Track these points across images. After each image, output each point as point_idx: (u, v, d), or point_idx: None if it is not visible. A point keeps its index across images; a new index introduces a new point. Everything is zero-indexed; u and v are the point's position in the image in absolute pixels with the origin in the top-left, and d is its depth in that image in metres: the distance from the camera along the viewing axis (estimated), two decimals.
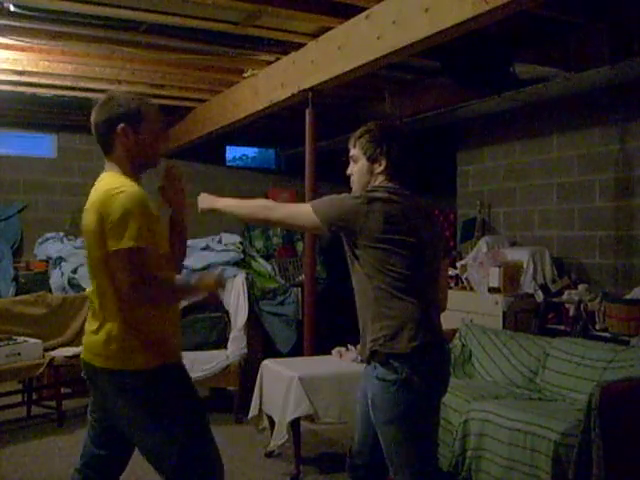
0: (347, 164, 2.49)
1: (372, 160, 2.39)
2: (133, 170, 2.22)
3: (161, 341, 2.17)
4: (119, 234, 2.01)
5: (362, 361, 2.47)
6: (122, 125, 2.17)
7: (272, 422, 3.90)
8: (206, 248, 5.86)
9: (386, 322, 2.25)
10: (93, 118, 2.24)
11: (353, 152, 2.44)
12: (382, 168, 2.37)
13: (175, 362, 2.23)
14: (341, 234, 2.32)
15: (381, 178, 2.38)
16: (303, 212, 2.35)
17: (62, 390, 4.91)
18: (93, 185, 2.24)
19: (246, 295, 5.24)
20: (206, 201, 2.55)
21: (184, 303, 3.97)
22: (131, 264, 2.02)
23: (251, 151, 8.65)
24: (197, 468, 2.15)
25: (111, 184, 2.11)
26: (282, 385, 3.74)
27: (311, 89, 4.47)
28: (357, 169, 2.42)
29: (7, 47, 4.57)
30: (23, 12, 3.86)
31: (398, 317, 2.24)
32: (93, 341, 2.16)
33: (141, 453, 2.23)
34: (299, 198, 6.59)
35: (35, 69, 4.95)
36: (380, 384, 2.24)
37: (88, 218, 2.12)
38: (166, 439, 2.13)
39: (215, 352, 4.92)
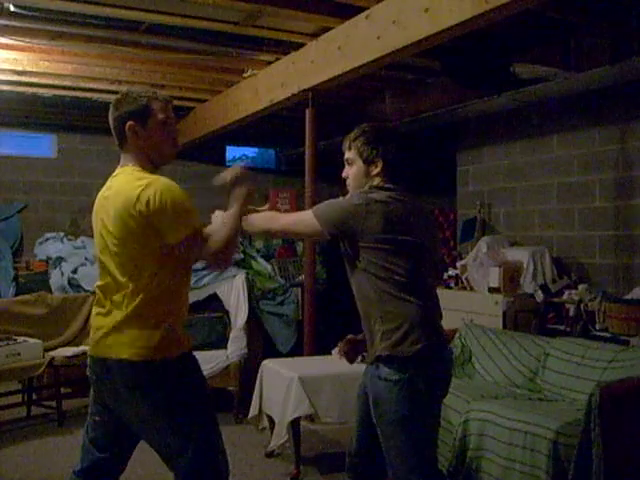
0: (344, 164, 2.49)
1: (368, 162, 2.38)
2: (149, 164, 2.22)
3: (174, 333, 2.17)
4: (177, 225, 2.08)
5: (362, 361, 2.47)
6: (130, 122, 2.18)
7: (272, 422, 3.90)
8: None
9: (389, 324, 2.25)
10: (109, 115, 2.25)
11: (348, 155, 2.43)
12: (378, 170, 2.37)
13: (188, 351, 2.24)
14: (342, 238, 2.32)
15: (378, 180, 2.37)
16: (303, 219, 2.36)
17: (62, 390, 4.91)
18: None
19: (246, 295, 5.24)
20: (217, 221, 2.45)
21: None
22: (199, 244, 2.11)
23: (251, 151, 8.65)
24: (211, 463, 2.16)
25: (133, 182, 2.11)
26: (282, 385, 3.74)
27: (311, 89, 4.47)
28: (353, 172, 2.42)
29: (7, 47, 4.57)
30: (23, 12, 3.86)
31: (401, 318, 2.24)
32: (104, 335, 2.14)
33: (153, 449, 2.21)
34: (299, 198, 6.59)
35: (35, 69, 4.95)
36: (383, 384, 2.24)
37: (112, 218, 2.11)
38: (180, 434, 2.12)
39: (215, 352, 4.92)
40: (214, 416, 2.24)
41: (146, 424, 2.17)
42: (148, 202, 2.04)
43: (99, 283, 2.22)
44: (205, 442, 2.15)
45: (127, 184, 2.11)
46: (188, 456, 2.11)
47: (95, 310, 2.23)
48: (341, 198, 2.34)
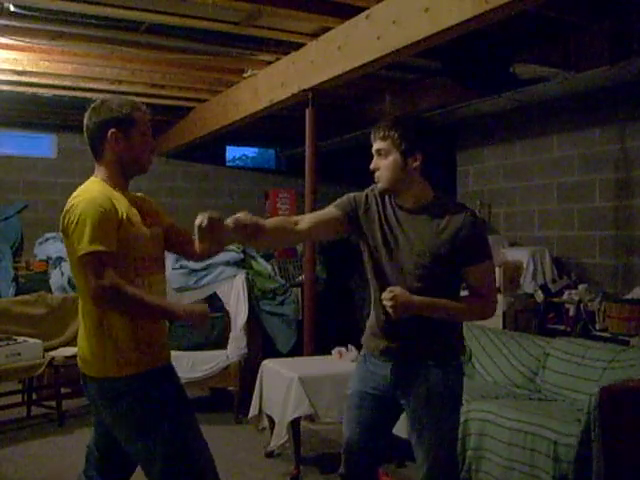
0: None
1: (407, 154, 2.24)
2: (121, 176, 2.21)
3: (144, 346, 2.14)
4: (78, 239, 2.02)
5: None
6: (113, 130, 2.15)
7: (272, 422, 3.90)
8: None
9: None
10: (85, 122, 2.21)
11: (381, 145, 2.26)
12: (418, 163, 2.24)
13: (160, 366, 2.20)
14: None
15: (416, 175, 2.26)
16: None
17: (62, 390, 4.91)
18: None
19: (246, 295, 5.23)
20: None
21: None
22: (90, 269, 2.00)
23: (251, 151, 8.65)
24: (185, 474, 2.13)
25: (78, 192, 2.14)
26: (282, 385, 3.74)
27: (311, 89, 4.47)
28: (387, 164, 2.25)
29: (7, 47, 4.57)
30: (23, 12, 3.86)
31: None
32: (80, 347, 2.18)
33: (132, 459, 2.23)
34: (299, 198, 6.59)
35: (35, 69, 4.95)
36: (442, 370, 2.29)
37: (63, 223, 2.14)
38: (150, 445, 2.11)
39: (215, 352, 4.92)
40: (192, 425, 2.20)
41: (119, 435, 2.17)
42: (72, 212, 2.06)
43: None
44: (178, 452, 2.11)
45: (71, 198, 2.13)
46: (159, 466, 2.10)
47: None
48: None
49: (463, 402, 2.42)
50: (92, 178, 2.21)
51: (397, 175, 2.25)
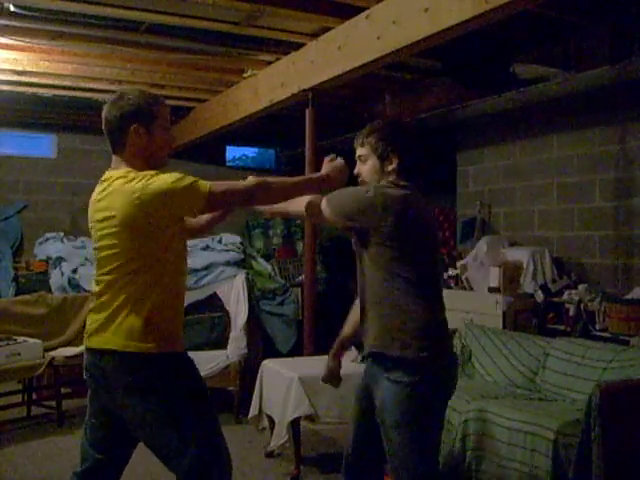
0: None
1: (383, 158, 2.32)
2: (146, 167, 2.17)
3: (172, 330, 2.17)
4: (189, 194, 2.05)
5: (362, 361, 2.45)
6: (135, 125, 2.14)
7: (272, 422, 3.90)
8: (206, 248, 5.86)
9: (397, 323, 2.21)
10: (104, 115, 2.19)
11: (361, 151, 2.37)
12: (394, 166, 2.31)
13: (184, 353, 2.23)
14: (353, 231, 2.31)
15: (393, 176, 2.31)
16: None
17: (62, 390, 4.91)
18: (93, 184, 2.23)
19: (246, 295, 5.23)
20: None
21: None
22: (227, 188, 2.11)
23: (251, 151, 8.65)
24: (213, 462, 2.13)
25: (135, 177, 2.08)
26: (282, 385, 3.74)
27: (311, 89, 4.47)
28: (367, 168, 2.35)
29: (7, 47, 4.57)
30: (23, 12, 3.86)
31: (415, 318, 2.21)
32: (102, 328, 2.12)
33: (152, 450, 2.19)
34: None
35: (35, 69, 4.95)
36: (393, 386, 2.20)
37: (113, 214, 2.08)
38: (181, 434, 2.10)
39: (215, 352, 4.92)
40: (214, 414, 2.23)
41: (143, 425, 2.15)
42: (153, 192, 2.02)
43: (98, 285, 2.20)
44: (206, 441, 2.13)
45: (136, 183, 2.06)
46: (189, 456, 2.09)
47: (95, 305, 2.20)
48: (357, 188, 2.30)
49: (464, 402, 2.39)
50: (122, 169, 2.16)
51: (375, 179, 2.33)
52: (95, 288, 2.21)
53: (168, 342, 2.14)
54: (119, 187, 2.09)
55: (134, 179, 2.07)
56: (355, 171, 2.41)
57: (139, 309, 2.10)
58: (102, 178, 2.20)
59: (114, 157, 2.22)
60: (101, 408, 2.24)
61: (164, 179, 2.05)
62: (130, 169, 2.15)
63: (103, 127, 2.21)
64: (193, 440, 2.10)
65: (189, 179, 2.06)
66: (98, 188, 2.20)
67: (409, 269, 2.21)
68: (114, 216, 2.08)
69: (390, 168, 2.31)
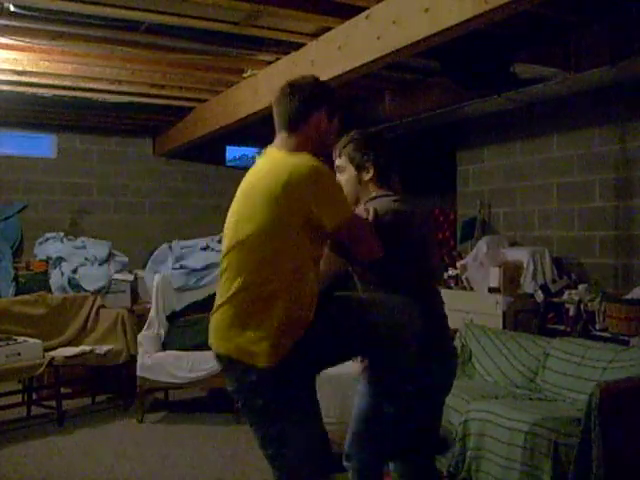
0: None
1: (360, 168, 2.42)
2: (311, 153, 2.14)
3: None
4: (335, 204, 2.04)
5: (362, 361, 2.47)
6: (323, 109, 2.18)
7: None
8: (206, 248, 5.86)
9: None
10: (288, 100, 2.18)
11: (339, 162, 2.47)
12: (370, 175, 2.41)
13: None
14: None
15: (371, 185, 2.41)
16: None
17: (62, 390, 4.91)
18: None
19: None
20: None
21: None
22: (362, 231, 2.12)
23: (251, 151, 8.64)
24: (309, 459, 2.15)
25: (308, 161, 2.05)
26: None
27: None
28: (345, 179, 2.44)
29: (7, 47, 4.56)
30: (23, 12, 3.85)
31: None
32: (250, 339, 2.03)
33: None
34: None
35: (35, 69, 4.94)
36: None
37: (268, 194, 2.01)
38: (281, 435, 2.13)
39: None
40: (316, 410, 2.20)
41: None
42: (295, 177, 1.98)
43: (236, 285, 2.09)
44: (304, 440, 2.11)
45: (306, 167, 2.02)
46: (288, 456, 2.14)
47: (232, 312, 2.11)
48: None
49: (464, 402, 2.43)
50: (281, 152, 2.12)
51: (355, 188, 2.43)
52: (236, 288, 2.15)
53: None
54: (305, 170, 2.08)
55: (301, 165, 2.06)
56: None
57: (291, 313, 2.08)
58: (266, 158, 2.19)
59: (280, 135, 2.21)
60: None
61: None
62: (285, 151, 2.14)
63: (278, 114, 2.21)
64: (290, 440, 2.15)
65: None
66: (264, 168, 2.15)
67: (405, 275, 2.30)
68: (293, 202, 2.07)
69: (367, 177, 2.41)
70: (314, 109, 2.17)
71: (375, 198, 2.37)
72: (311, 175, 2.00)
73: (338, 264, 2.31)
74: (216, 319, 2.12)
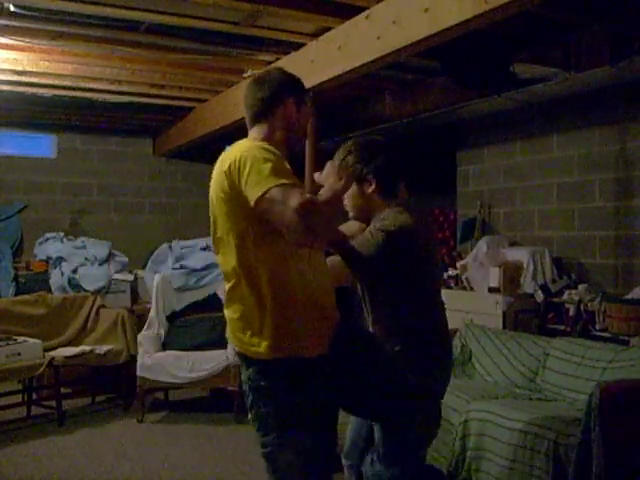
0: None
1: (361, 181, 2.34)
2: (282, 143, 2.12)
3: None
4: (257, 181, 1.83)
5: None
6: (291, 98, 2.14)
7: None
8: (206, 248, 5.86)
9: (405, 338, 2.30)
10: (253, 94, 2.17)
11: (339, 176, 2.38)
12: (373, 187, 2.34)
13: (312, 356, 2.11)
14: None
15: (375, 198, 2.34)
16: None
17: (62, 390, 4.91)
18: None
19: None
20: None
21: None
22: (279, 198, 1.78)
23: None
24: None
25: (244, 144, 2.03)
26: None
27: (311, 89, 4.46)
28: (347, 194, 2.31)
29: (7, 47, 4.56)
30: (23, 12, 3.85)
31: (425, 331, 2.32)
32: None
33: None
34: None
35: (35, 69, 4.94)
36: None
37: (218, 188, 1.98)
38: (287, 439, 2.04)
39: (215, 352, 4.92)
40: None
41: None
42: (240, 161, 1.90)
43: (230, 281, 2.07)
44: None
45: (236, 153, 1.96)
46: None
47: (235, 307, 2.06)
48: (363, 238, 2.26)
49: (464, 402, 2.44)
50: (248, 141, 2.10)
51: (358, 202, 2.36)
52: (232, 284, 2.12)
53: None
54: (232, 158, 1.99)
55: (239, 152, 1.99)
56: None
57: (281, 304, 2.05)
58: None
59: (254, 127, 2.18)
60: None
61: None
62: (258, 141, 2.10)
63: (247, 108, 2.19)
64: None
65: None
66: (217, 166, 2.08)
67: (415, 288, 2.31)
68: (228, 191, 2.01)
69: (370, 190, 2.34)
70: (279, 100, 2.13)
71: (389, 216, 2.26)
72: (241, 157, 1.90)
73: (343, 277, 2.31)
74: (226, 316, 2.12)
